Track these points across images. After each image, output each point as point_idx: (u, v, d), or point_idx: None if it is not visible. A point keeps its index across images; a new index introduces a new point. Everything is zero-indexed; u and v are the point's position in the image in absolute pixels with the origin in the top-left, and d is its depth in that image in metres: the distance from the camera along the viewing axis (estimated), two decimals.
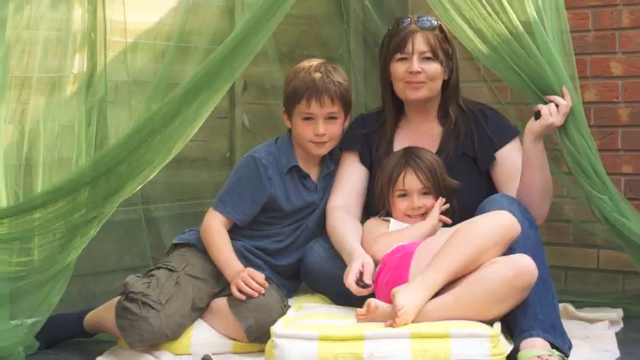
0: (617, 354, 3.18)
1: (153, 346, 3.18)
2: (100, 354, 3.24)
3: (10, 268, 3.15)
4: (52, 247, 3.21)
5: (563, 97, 3.26)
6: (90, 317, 3.39)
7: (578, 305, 3.75)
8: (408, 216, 3.37)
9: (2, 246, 3.13)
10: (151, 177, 3.28)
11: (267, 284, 3.26)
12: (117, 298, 3.24)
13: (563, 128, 3.29)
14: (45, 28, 3.28)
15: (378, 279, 3.17)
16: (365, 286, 3.16)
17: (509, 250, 3.06)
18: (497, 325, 2.96)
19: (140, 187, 3.29)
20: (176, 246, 3.43)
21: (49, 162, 3.27)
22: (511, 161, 3.42)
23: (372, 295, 3.13)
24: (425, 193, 3.38)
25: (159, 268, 3.31)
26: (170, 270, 3.28)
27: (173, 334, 3.18)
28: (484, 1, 3.31)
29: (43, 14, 3.27)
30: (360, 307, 3.07)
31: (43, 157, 3.27)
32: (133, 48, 3.64)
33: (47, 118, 3.29)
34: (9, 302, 3.13)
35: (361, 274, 3.18)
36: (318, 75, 3.39)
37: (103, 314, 3.32)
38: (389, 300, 3.00)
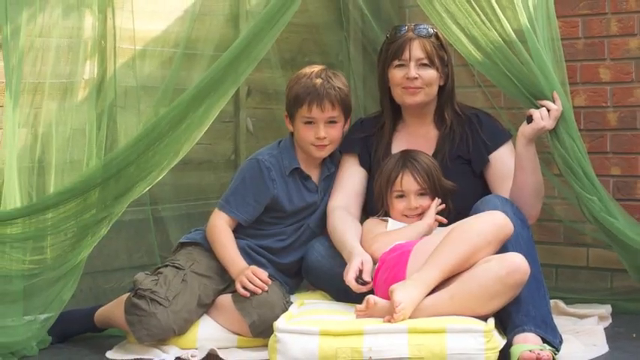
0: (606, 348, 3.22)
1: (160, 340, 3.21)
2: (109, 348, 3.27)
3: (23, 266, 3.20)
4: (63, 245, 3.25)
5: (554, 101, 3.30)
6: (100, 313, 3.41)
7: (569, 302, 3.77)
8: (406, 216, 3.40)
9: (16, 245, 3.18)
10: (159, 178, 3.33)
11: (270, 281, 3.28)
12: (126, 295, 3.28)
13: (554, 132, 3.33)
14: (57, 36, 3.31)
15: (377, 276, 3.20)
16: (364, 283, 3.19)
17: (503, 248, 3.09)
18: (491, 321, 2.99)
19: (148, 188, 3.33)
20: (183, 245, 3.46)
21: (61, 164, 3.30)
22: (504, 163, 3.44)
23: (371, 291, 3.15)
24: (421, 194, 3.40)
25: (166, 266, 3.34)
26: (177, 268, 3.31)
27: (180, 329, 3.22)
28: (478, 10, 3.35)
29: (55, 22, 3.30)
30: (360, 303, 3.09)
31: (56, 159, 3.30)
32: (142, 55, 3.64)
33: (59, 122, 3.32)
34: (23, 299, 3.17)
35: (360, 271, 3.20)
36: (319, 81, 3.41)
37: (113, 310, 3.35)
38: (387, 297, 3.03)
